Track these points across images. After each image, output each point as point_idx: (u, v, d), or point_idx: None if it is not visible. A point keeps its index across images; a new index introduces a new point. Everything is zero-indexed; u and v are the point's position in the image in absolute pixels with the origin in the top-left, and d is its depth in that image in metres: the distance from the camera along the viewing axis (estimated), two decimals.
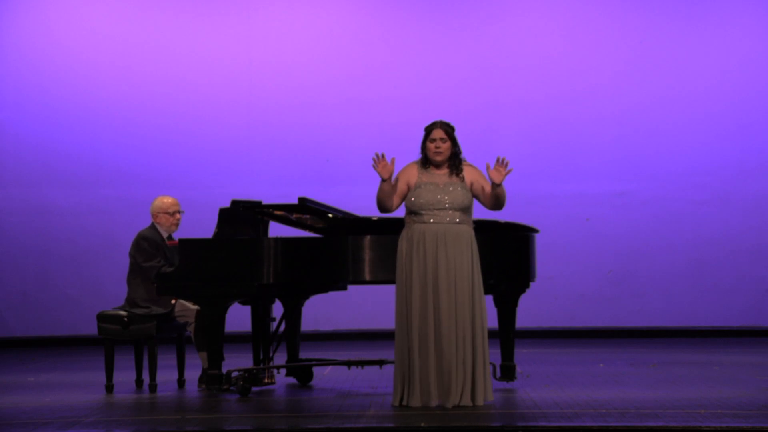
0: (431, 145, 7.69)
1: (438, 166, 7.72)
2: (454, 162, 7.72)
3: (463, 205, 7.65)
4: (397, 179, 7.73)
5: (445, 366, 7.51)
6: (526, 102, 14.08)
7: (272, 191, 13.10)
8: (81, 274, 14.06)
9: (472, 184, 7.72)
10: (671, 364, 10.40)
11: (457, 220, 7.65)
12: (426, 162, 7.73)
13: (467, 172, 7.73)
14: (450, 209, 7.63)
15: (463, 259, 7.61)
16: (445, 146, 7.69)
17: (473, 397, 7.56)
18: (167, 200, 9.03)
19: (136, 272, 8.86)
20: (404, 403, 7.56)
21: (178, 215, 9.03)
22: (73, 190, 14.07)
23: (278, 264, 8.34)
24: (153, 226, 8.98)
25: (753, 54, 14.06)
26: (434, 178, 7.69)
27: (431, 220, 7.62)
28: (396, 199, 7.71)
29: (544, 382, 9.02)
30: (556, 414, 7.23)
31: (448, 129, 7.72)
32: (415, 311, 7.56)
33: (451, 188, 7.65)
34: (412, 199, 7.65)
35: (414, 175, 7.72)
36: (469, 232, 7.68)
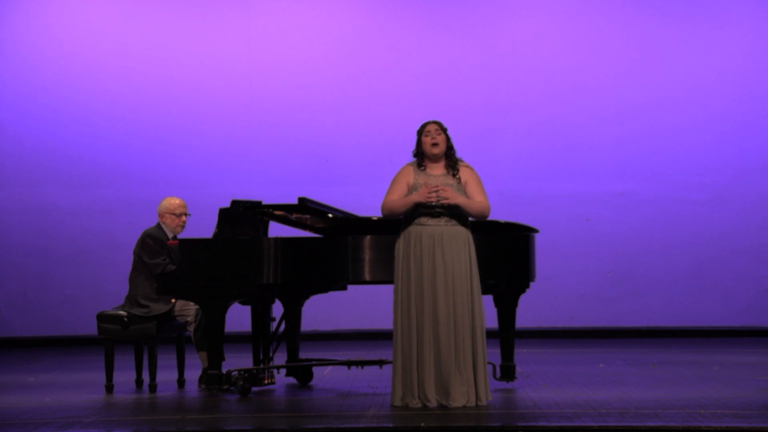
0: (426, 139, 7.69)
1: (434, 162, 7.70)
2: (450, 161, 7.72)
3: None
4: (395, 181, 7.73)
5: (443, 367, 7.51)
6: (526, 102, 14.08)
7: (272, 191, 13.11)
8: (81, 274, 14.06)
9: (466, 185, 7.70)
10: (671, 364, 10.40)
11: (454, 221, 7.64)
12: (421, 162, 7.73)
13: (463, 173, 7.73)
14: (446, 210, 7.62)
15: (461, 260, 7.60)
16: (441, 138, 7.69)
17: (475, 398, 7.56)
18: (175, 201, 9.03)
19: (139, 269, 8.86)
20: (404, 403, 7.55)
21: (184, 217, 9.03)
22: (73, 190, 14.08)
23: (278, 264, 8.34)
24: (159, 226, 8.98)
25: (753, 54, 14.06)
26: (431, 179, 7.68)
27: (428, 222, 7.62)
28: None
29: (544, 382, 9.02)
30: (556, 414, 7.23)
31: (442, 125, 7.74)
32: (414, 313, 7.56)
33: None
34: None
35: (411, 175, 7.71)
36: (465, 232, 7.67)
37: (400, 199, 7.66)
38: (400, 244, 7.67)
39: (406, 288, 7.59)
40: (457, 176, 7.70)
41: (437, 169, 7.72)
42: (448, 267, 7.56)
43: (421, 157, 7.73)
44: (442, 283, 7.54)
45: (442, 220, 7.61)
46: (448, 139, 7.72)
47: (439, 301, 7.53)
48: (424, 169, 7.72)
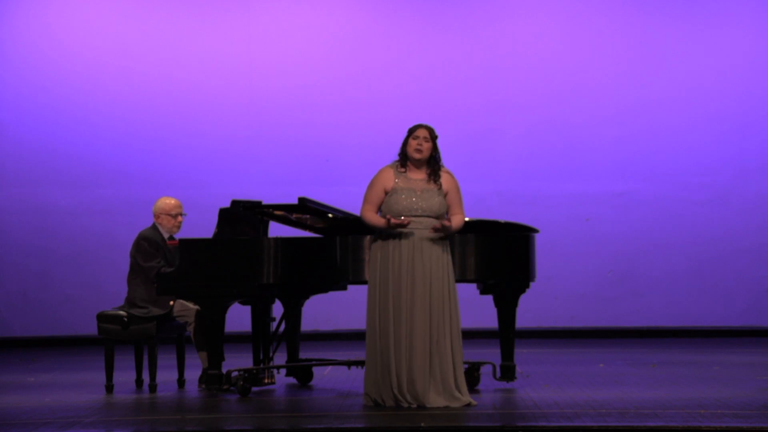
0: (413, 142, 7.70)
1: (416, 166, 7.70)
2: (433, 168, 7.71)
3: (439, 212, 7.65)
4: (372, 186, 7.72)
5: (418, 367, 7.50)
6: (526, 102, 14.08)
7: (272, 191, 13.09)
8: (81, 274, 14.06)
9: (447, 194, 7.70)
10: (671, 364, 10.40)
11: (433, 221, 7.64)
12: (404, 163, 7.72)
13: (445, 180, 7.72)
14: (426, 216, 7.62)
15: (439, 264, 7.60)
16: (427, 146, 7.69)
17: (455, 399, 7.55)
18: (170, 202, 9.01)
19: (136, 272, 8.86)
20: (374, 401, 7.55)
21: (180, 218, 9.01)
22: (73, 190, 14.07)
23: (278, 264, 8.34)
24: (154, 227, 8.96)
25: (753, 54, 14.05)
26: (411, 183, 7.67)
27: (409, 226, 7.60)
28: (375, 210, 7.71)
29: (544, 382, 9.02)
30: (556, 414, 7.23)
31: (433, 132, 7.74)
32: (391, 315, 7.56)
33: (427, 195, 7.64)
34: (390, 205, 7.64)
35: (390, 179, 7.70)
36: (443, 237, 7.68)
37: (374, 217, 7.65)
38: (377, 247, 7.66)
39: (384, 291, 7.60)
40: (438, 182, 7.69)
41: (418, 174, 7.71)
42: (426, 272, 7.57)
43: (404, 157, 7.74)
44: (420, 287, 7.55)
45: (423, 223, 7.60)
46: (434, 148, 7.72)
47: (416, 304, 7.54)
48: (405, 172, 7.71)
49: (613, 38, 14.11)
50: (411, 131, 7.74)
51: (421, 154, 7.67)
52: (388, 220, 7.53)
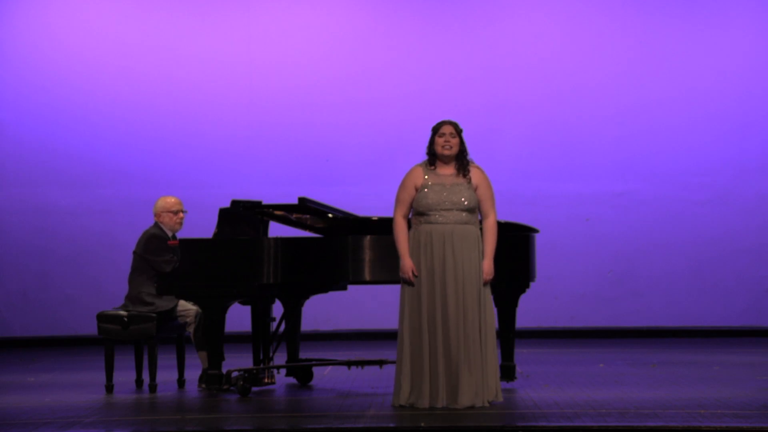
0: (440, 140, 7.70)
1: (445, 163, 7.72)
2: (462, 162, 7.73)
3: (470, 205, 7.65)
4: (403, 186, 7.73)
5: (453, 366, 7.50)
6: (526, 102, 14.08)
7: (272, 191, 13.10)
8: (81, 274, 14.06)
9: (477, 188, 7.71)
10: (671, 364, 10.40)
11: (464, 220, 7.64)
12: (432, 161, 7.74)
13: (474, 174, 7.73)
14: (457, 209, 7.62)
15: (471, 259, 7.60)
16: (455, 141, 7.70)
17: (483, 398, 7.54)
18: (170, 199, 9.02)
19: (141, 269, 8.84)
20: (410, 403, 7.54)
21: (181, 214, 9.02)
22: (73, 190, 14.07)
23: (278, 264, 8.34)
24: (157, 226, 8.96)
25: (753, 54, 14.05)
26: (441, 178, 7.69)
27: (439, 220, 7.62)
28: (407, 211, 7.71)
29: (544, 382, 9.02)
30: (556, 414, 7.23)
31: (457, 127, 7.75)
32: (424, 312, 7.55)
33: (457, 189, 7.65)
34: (420, 199, 7.64)
35: (420, 176, 7.71)
36: (475, 231, 7.68)
37: (401, 236, 7.63)
38: (410, 243, 7.66)
39: (417, 287, 7.59)
40: (468, 176, 7.71)
41: (447, 169, 7.73)
42: (459, 266, 7.56)
43: (432, 156, 7.75)
44: (452, 282, 7.54)
45: (453, 216, 7.61)
46: (461, 142, 7.73)
47: (449, 300, 7.53)
48: (434, 169, 7.73)
49: (613, 38, 14.11)
50: (436, 129, 7.74)
51: (450, 150, 7.69)
52: (406, 263, 7.56)
